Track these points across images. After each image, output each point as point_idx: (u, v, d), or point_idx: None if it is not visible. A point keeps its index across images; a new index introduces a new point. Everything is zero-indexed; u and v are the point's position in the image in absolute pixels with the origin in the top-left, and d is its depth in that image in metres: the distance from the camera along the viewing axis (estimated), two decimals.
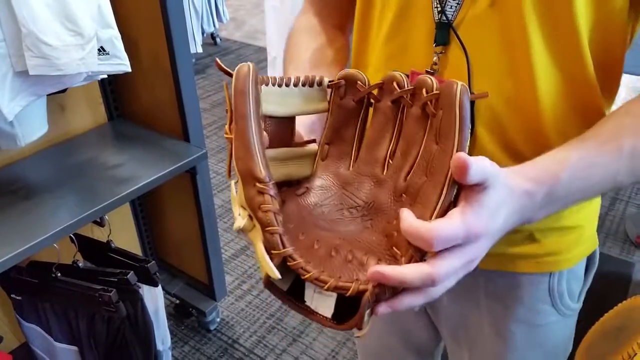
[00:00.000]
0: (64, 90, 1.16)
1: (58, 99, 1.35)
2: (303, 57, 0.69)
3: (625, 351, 1.45)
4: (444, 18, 0.57)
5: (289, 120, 0.53)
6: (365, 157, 0.53)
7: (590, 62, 0.55)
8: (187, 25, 2.32)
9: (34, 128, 1.16)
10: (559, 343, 0.77)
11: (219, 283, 1.74)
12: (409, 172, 0.49)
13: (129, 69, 1.16)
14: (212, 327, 1.81)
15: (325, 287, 0.42)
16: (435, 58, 0.58)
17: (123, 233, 1.68)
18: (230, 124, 0.46)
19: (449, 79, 0.45)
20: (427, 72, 0.58)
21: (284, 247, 0.43)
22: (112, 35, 1.09)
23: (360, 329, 0.42)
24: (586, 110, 0.58)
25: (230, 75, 0.46)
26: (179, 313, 1.86)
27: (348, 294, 0.42)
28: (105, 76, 1.17)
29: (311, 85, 0.53)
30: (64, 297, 1.23)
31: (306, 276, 0.43)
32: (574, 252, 0.70)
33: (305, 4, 0.79)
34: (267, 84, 0.50)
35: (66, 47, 1.00)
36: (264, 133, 0.47)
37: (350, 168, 0.54)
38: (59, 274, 1.21)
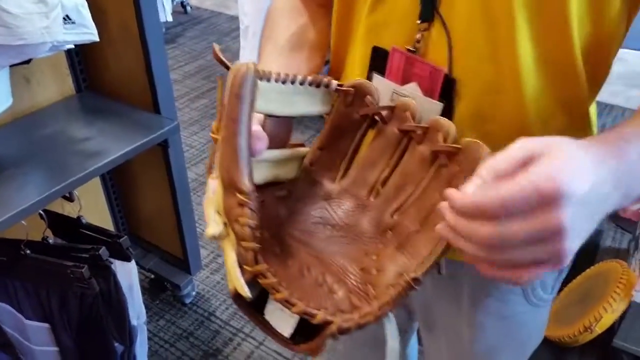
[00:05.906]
0: (28, 61, 1.12)
1: (22, 71, 1.29)
2: (282, 38, 0.65)
3: (592, 315, 1.50)
4: None
5: (288, 120, 0.51)
6: (355, 175, 0.51)
7: (579, 54, 0.53)
8: None
9: None
10: (530, 333, 0.77)
11: (193, 257, 1.72)
12: (397, 209, 0.47)
13: (97, 39, 1.12)
14: (187, 301, 1.81)
15: (293, 310, 0.41)
16: (418, 35, 0.55)
17: (94, 209, 1.65)
18: (219, 123, 0.42)
19: (472, 140, 0.41)
20: (409, 50, 0.56)
21: (257, 263, 0.41)
22: (78, 3, 1.05)
23: (315, 355, 0.41)
24: (570, 104, 0.56)
25: (227, 67, 0.43)
26: (153, 287, 1.85)
27: (314, 322, 0.40)
28: (72, 46, 1.13)
29: (317, 86, 0.49)
30: (34, 274, 1.20)
31: (277, 296, 0.41)
32: None
33: None
34: (269, 79, 0.45)
35: (29, 15, 0.95)
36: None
37: (337, 182, 0.51)
38: (29, 251, 1.18)
